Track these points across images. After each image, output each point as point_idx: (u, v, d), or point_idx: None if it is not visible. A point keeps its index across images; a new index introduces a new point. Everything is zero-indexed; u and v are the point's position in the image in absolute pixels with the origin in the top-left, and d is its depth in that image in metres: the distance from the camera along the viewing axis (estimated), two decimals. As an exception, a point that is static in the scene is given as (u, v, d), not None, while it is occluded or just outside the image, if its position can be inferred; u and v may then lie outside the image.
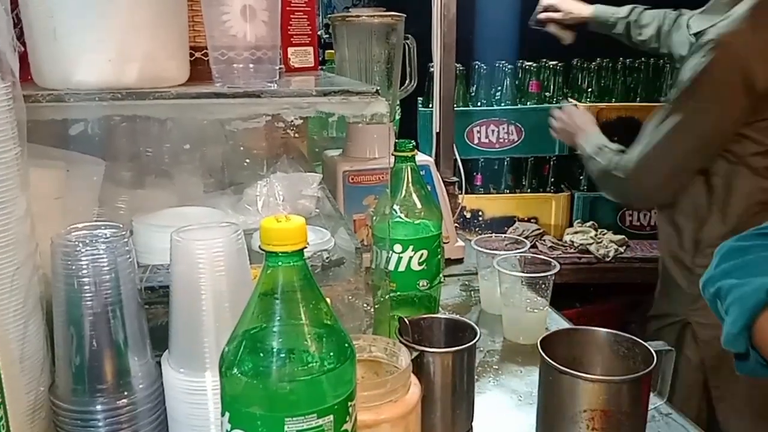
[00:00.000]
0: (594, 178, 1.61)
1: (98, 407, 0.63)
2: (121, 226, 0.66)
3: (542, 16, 1.90)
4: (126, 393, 0.64)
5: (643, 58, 2.16)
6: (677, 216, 1.48)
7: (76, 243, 0.62)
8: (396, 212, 0.98)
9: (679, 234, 1.48)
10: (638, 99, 2.17)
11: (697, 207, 1.43)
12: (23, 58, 0.74)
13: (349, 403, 0.54)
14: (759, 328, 0.71)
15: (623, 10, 1.82)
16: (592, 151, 1.58)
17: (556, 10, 1.88)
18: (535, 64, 2.20)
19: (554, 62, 2.20)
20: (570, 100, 1.84)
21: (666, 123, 1.38)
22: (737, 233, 0.83)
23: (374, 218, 1.01)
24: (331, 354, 0.52)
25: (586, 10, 1.86)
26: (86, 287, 0.62)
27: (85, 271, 0.61)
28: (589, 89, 2.21)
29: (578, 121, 1.72)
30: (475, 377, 0.85)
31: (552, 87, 2.21)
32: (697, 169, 1.40)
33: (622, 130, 1.89)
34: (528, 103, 2.22)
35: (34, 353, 0.64)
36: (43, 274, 0.66)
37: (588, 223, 2.22)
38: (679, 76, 1.40)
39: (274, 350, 0.51)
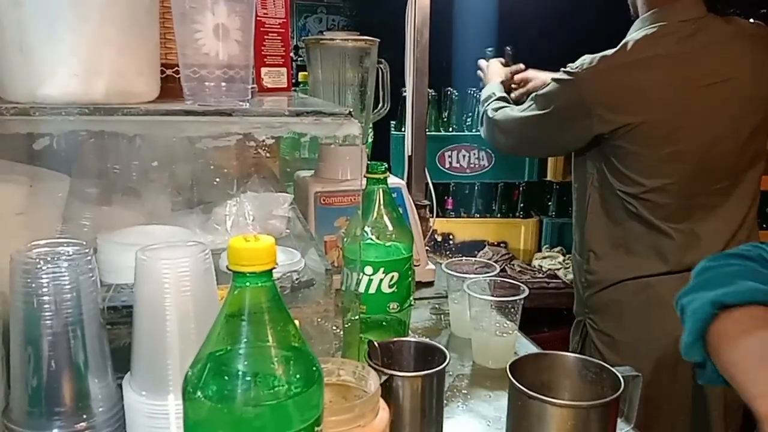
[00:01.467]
0: (481, 119, 1.78)
1: (55, 431, 0.61)
2: (84, 243, 0.64)
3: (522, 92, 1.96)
4: (85, 416, 0.62)
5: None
6: (574, 221, 1.63)
7: (37, 260, 0.60)
8: (367, 234, 0.98)
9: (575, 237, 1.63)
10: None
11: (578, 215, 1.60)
12: (-12, 71, 0.72)
13: (316, 428, 0.53)
14: (710, 341, 0.76)
15: None
16: (484, 97, 1.82)
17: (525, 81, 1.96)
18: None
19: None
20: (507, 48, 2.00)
21: (530, 110, 1.56)
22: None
23: (345, 240, 1.01)
24: (298, 377, 0.51)
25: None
26: (46, 306, 0.60)
27: (45, 290, 0.59)
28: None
29: (490, 72, 1.93)
30: (444, 402, 0.85)
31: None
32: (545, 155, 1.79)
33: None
34: (499, 129, 2.25)
35: (-13, 375, 0.62)
36: (1, 293, 0.64)
37: (556, 249, 2.25)
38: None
39: (240, 373, 0.50)
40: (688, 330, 0.79)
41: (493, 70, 1.95)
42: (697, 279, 0.84)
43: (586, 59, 1.46)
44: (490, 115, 1.69)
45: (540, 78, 1.92)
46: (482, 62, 1.99)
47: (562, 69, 1.51)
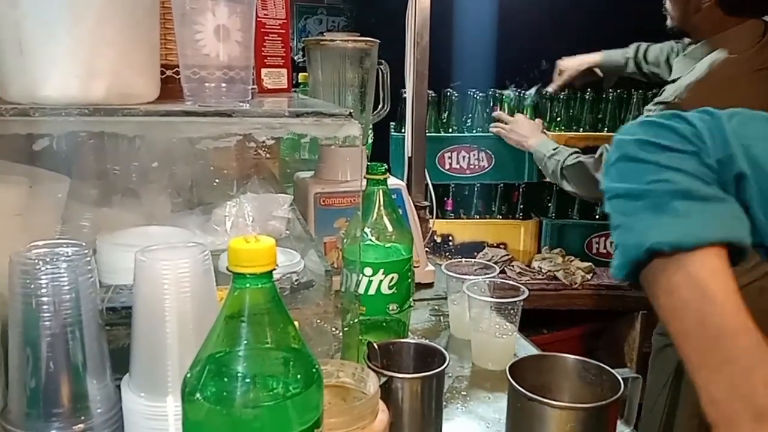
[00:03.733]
0: (553, 173, 1.85)
1: (53, 432, 0.61)
2: (83, 244, 0.64)
3: (559, 83, 2.12)
4: (83, 418, 0.62)
5: (610, 90, 2.21)
6: None
7: (36, 261, 0.60)
8: (367, 235, 0.98)
9: None
10: (605, 129, 2.22)
11: None
12: (-13, 71, 0.72)
13: (316, 430, 0.53)
14: (648, 286, 0.66)
15: (630, 50, 1.99)
16: (549, 152, 1.87)
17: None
18: (506, 93, 2.24)
19: (525, 91, 2.24)
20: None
21: None
22: None
23: (345, 241, 1.01)
24: (298, 379, 0.51)
25: (595, 57, 2.05)
26: (45, 307, 0.59)
27: (44, 290, 0.59)
28: (558, 118, 2.25)
29: (526, 128, 2.02)
30: (444, 403, 0.85)
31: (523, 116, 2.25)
32: None
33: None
34: (498, 130, 2.25)
35: (-14, 376, 0.62)
36: (0, 294, 0.64)
37: (556, 250, 2.24)
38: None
39: (239, 375, 0.50)
40: (617, 263, 0.67)
41: (531, 127, 2.02)
42: (625, 183, 0.69)
43: (679, 87, 1.48)
44: (575, 162, 1.76)
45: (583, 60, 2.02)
46: (510, 121, 2.07)
47: (654, 103, 1.54)
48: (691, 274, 0.62)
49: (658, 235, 0.64)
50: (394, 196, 1.05)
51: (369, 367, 0.75)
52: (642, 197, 0.67)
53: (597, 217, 2.24)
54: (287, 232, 1.04)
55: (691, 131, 0.69)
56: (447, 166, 2.26)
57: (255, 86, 0.98)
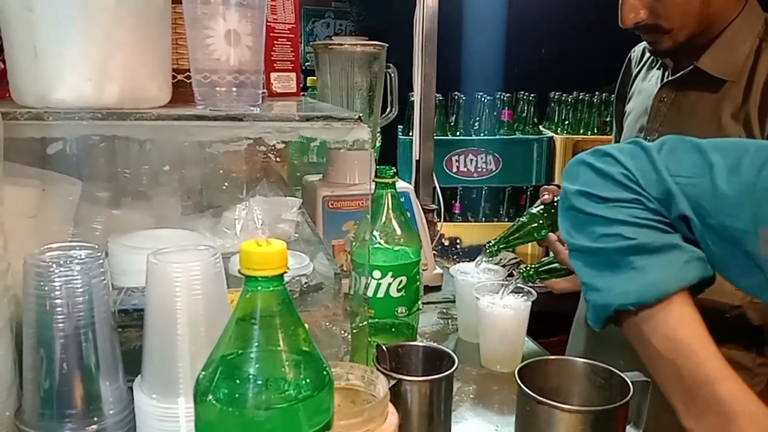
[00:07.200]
0: None
1: (66, 433, 0.61)
2: (96, 247, 0.65)
3: None
4: (96, 419, 0.63)
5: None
6: None
7: (50, 263, 0.61)
8: (375, 238, 0.98)
9: None
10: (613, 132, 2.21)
11: None
12: (2, 75, 0.73)
13: (326, 432, 0.53)
14: (623, 330, 0.70)
15: None
16: None
17: None
18: (512, 96, 2.24)
19: (532, 95, 2.24)
20: None
21: None
22: None
23: (353, 244, 1.01)
24: (309, 381, 0.52)
25: None
26: (58, 309, 0.60)
27: (57, 292, 0.60)
28: (566, 121, 2.25)
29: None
30: (453, 406, 0.85)
31: (529, 119, 2.25)
32: None
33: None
34: (506, 133, 2.25)
35: (0, 376, 0.62)
36: (14, 295, 0.64)
37: (564, 253, 2.24)
38: None
39: (251, 377, 0.50)
40: (592, 318, 0.72)
41: None
42: (583, 232, 0.70)
43: None
44: None
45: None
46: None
47: None
48: (658, 326, 0.65)
49: (622, 296, 0.67)
50: (402, 200, 1.05)
51: (378, 369, 0.76)
52: (598, 254, 0.69)
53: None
54: (296, 235, 1.04)
55: (624, 175, 0.70)
56: (454, 169, 2.26)
57: (265, 90, 0.98)
